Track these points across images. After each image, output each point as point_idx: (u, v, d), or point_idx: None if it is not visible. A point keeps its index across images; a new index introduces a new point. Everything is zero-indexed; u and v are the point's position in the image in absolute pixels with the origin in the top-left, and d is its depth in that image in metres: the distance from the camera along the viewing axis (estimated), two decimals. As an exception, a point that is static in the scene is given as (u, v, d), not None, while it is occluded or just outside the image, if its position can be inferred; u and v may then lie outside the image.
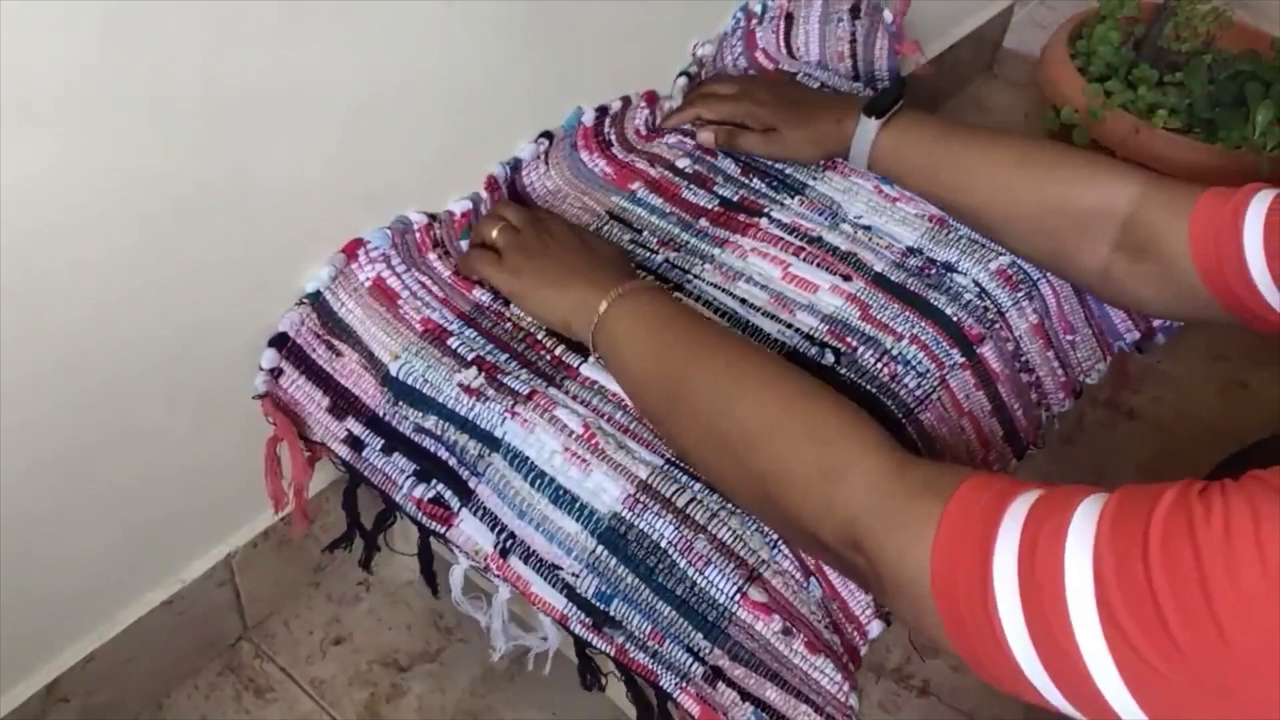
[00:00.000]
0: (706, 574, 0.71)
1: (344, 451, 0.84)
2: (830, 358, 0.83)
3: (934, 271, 0.91)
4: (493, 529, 0.79)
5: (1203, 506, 0.46)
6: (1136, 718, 0.47)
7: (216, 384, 0.82)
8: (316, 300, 0.84)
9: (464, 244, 0.92)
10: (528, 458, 0.76)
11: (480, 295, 0.86)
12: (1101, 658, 0.47)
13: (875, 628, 0.78)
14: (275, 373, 0.84)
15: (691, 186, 0.98)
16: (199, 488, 0.87)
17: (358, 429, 0.83)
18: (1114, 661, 0.47)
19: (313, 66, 0.73)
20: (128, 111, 0.64)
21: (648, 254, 0.91)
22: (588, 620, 0.76)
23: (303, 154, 0.76)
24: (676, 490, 0.73)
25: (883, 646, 1.04)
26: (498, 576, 0.79)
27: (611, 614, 0.75)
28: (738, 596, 0.70)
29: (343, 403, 0.83)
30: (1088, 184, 0.82)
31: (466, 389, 0.78)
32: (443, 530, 0.80)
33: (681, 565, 0.71)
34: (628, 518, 0.73)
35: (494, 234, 0.86)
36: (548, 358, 0.82)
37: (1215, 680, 0.45)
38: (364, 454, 0.83)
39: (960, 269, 0.91)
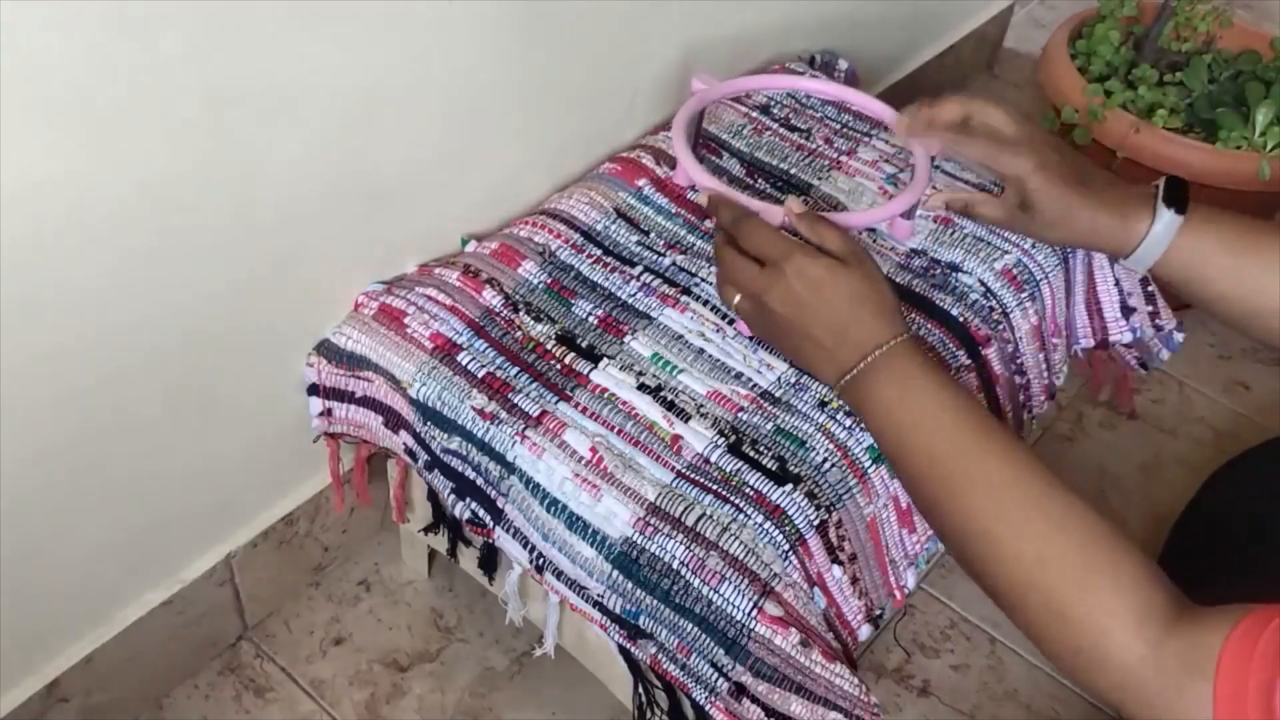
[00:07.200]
0: (722, 591, 0.70)
1: (407, 460, 0.86)
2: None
3: (939, 272, 0.91)
4: (524, 547, 0.80)
5: None
6: None
7: (216, 383, 0.82)
8: (323, 347, 0.86)
9: (470, 246, 0.91)
10: (540, 484, 0.76)
11: (490, 299, 0.85)
12: None
13: (865, 631, 0.79)
14: (325, 413, 0.88)
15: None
16: (199, 488, 0.87)
17: (410, 442, 0.84)
18: None
19: (312, 69, 0.73)
20: (128, 113, 0.64)
21: (655, 256, 0.90)
22: (623, 631, 0.77)
23: (301, 154, 0.76)
24: (685, 508, 0.73)
25: (883, 647, 1.04)
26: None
27: (641, 628, 0.75)
28: (754, 612, 0.70)
29: (392, 419, 0.85)
30: None
31: (480, 413, 0.78)
32: (489, 541, 0.83)
33: (696, 585, 0.71)
34: (639, 542, 0.72)
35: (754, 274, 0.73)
36: (558, 367, 0.81)
37: None
38: (418, 465, 0.85)
39: (965, 269, 0.91)
